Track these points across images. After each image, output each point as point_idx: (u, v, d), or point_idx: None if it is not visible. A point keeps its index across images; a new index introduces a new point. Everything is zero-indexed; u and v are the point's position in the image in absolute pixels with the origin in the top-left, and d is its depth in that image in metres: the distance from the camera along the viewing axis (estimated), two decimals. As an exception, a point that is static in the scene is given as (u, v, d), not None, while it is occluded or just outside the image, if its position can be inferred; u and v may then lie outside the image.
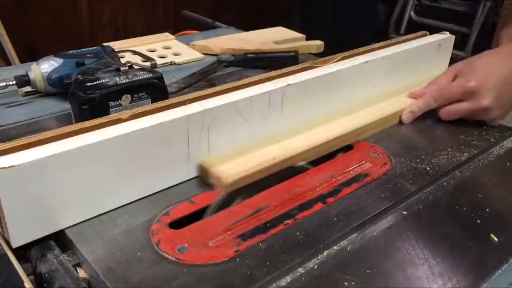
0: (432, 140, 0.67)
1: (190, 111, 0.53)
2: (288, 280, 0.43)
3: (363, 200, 0.54)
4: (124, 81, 0.64)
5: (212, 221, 0.50)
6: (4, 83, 0.72)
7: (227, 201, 0.55)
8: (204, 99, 0.56)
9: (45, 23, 2.07)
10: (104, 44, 0.82)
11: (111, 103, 0.63)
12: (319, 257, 0.46)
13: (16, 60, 1.71)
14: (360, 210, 0.52)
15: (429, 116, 0.72)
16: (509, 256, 0.47)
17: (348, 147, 0.65)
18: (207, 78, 0.87)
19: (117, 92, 0.63)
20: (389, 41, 0.79)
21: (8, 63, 1.72)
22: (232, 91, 0.59)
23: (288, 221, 0.50)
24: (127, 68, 0.66)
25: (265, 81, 0.62)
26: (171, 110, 0.54)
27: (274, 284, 0.43)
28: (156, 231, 0.48)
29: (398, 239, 0.49)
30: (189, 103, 0.55)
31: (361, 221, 0.50)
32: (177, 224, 0.50)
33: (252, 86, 0.60)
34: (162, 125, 0.51)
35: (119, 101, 0.63)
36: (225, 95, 0.58)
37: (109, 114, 0.60)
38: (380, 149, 0.64)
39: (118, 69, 0.66)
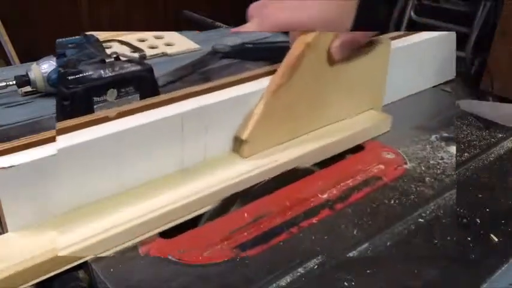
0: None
1: (184, 109, 0.49)
2: (288, 280, 0.43)
3: (375, 207, 0.51)
4: (109, 74, 0.59)
5: (207, 229, 0.47)
6: (4, 83, 0.72)
7: (224, 207, 0.51)
8: (200, 95, 0.52)
9: (45, 23, 2.07)
10: (88, 33, 0.74)
11: (96, 98, 0.58)
12: (319, 257, 0.46)
13: (16, 60, 1.71)
14: (372, 217, 0.50)
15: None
16: (509, 256, 0.47)
17: (358, 148, 0.62)
18: (201, 71, 0.79)
19: (102, 86, 0.58)
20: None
21: (8, 63, 1.72)
22: (231, 86, 0.54)
23: (292, 230, 0.47)
24: (113, 59, 0.62)
25: (267, 75, 0.57)
26: (163, 107, 0.49)
27: (274, 284, 0.42)
28: (145, 240, 0.45)
29: (398, 239, 0.49)
30: (183, 99, 0.51)
31: (372, 230, 0.48)
32: (169, 232, 0.47)
33: (253, 80, 0.56)
34: (153, 125, 0.48)
35: (104, 97, 0.58)
36: (223, 90, 0.54)
37: (93, 110, 0.56)
38: (393, 149, 0.60)
39: (103, 61, 0.61)
